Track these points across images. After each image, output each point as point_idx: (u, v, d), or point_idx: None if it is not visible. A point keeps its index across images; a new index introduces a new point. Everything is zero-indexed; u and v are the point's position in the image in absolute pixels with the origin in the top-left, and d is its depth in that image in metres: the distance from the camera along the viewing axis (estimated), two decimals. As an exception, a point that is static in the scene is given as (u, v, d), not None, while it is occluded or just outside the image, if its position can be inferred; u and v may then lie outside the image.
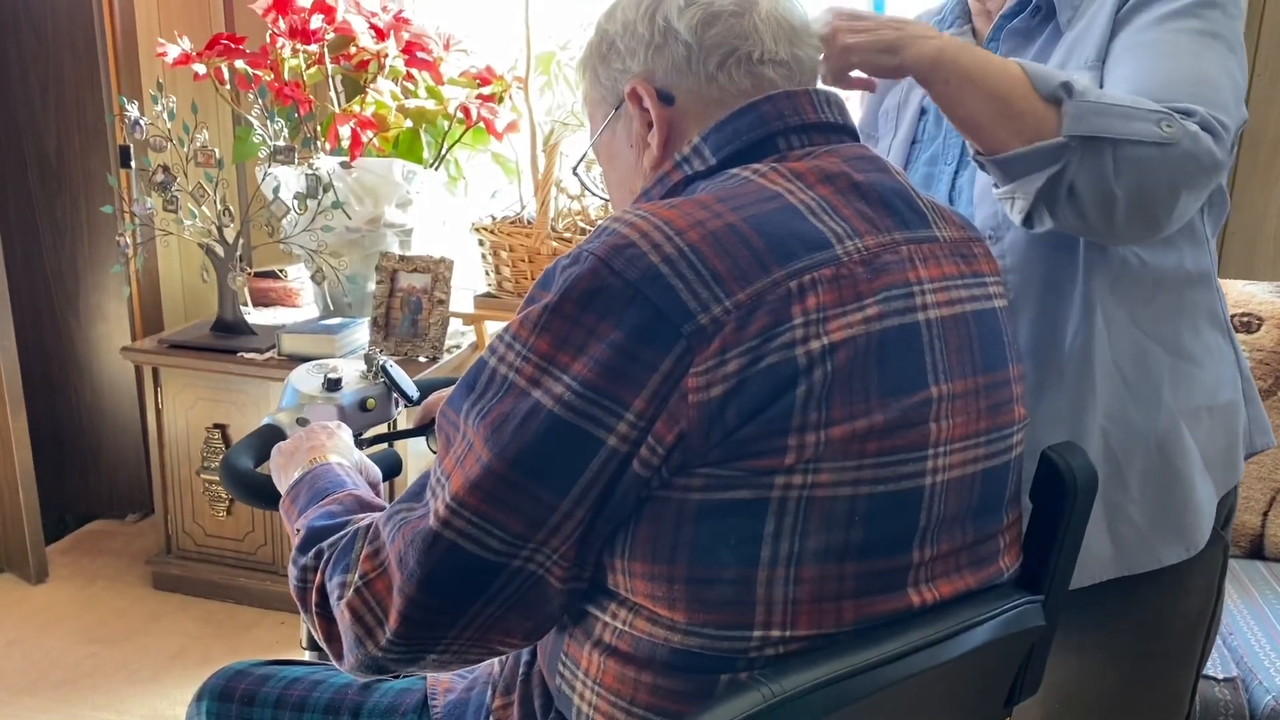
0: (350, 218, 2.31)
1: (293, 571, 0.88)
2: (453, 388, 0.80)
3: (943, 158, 1.17)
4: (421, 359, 2.33)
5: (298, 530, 0.91)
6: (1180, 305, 1.10)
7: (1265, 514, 1.92)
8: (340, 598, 0.81)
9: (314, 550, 0.86)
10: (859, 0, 2.36)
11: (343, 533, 0.85)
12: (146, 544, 2.76)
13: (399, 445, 1.31)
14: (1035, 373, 1.09)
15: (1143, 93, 0.96)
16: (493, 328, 2.47)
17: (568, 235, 2.24)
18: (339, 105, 2.40)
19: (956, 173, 1.15)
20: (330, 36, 2.36)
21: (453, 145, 2.45)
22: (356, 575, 0.80)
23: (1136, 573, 1.11)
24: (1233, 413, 1.13)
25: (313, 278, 2.35)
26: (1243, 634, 1.62)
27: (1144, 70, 1.00)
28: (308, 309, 2.66)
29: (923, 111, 1.22)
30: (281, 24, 2.32)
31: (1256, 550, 1.92)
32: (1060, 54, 1.08)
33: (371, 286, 2.41)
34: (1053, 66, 1.07)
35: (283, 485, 1.02)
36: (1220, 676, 1.52)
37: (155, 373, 2.42)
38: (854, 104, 2.38)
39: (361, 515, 0.89)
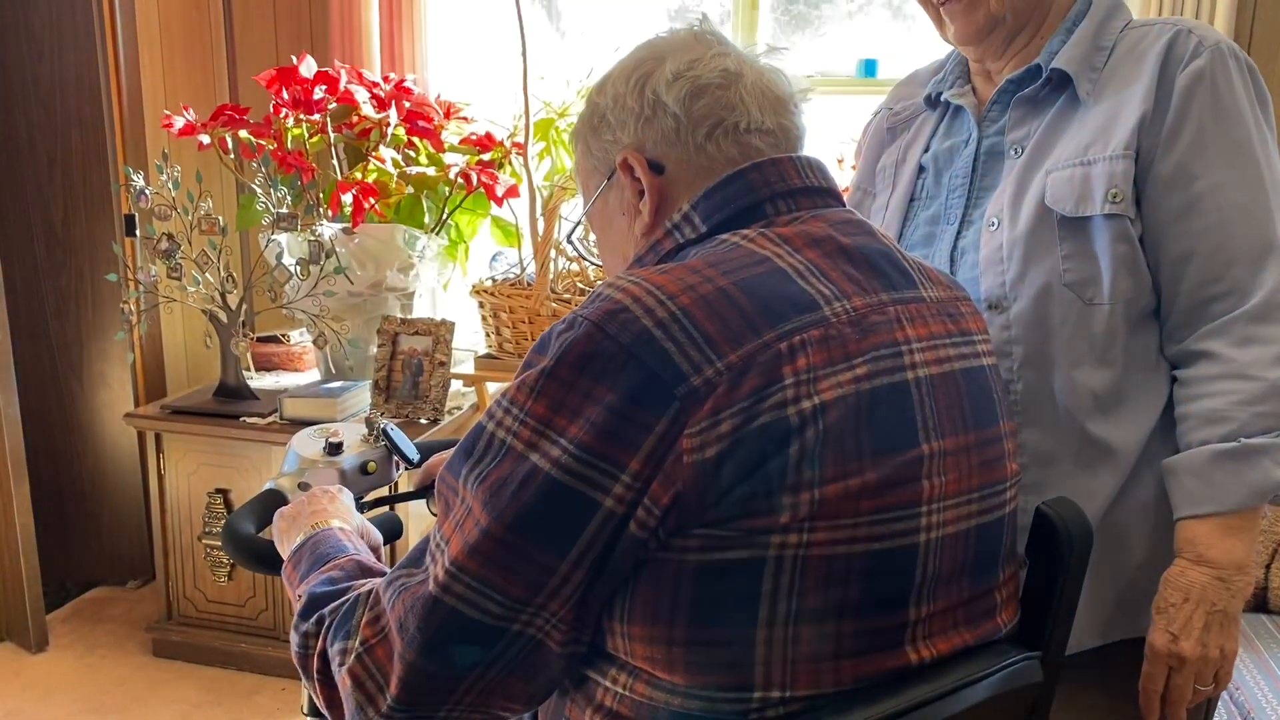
0: (352, 282, 2.34)
1: (294, 638, 0.88)
2: (452, 451, 0.81)
3: (944, 218, 1.18)
4: (423, 420, 2.34)
5: (300, 596, 0.91)
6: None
7: (1268, 567, 1.91)
8: (341, 664, 0.81)
9: (315, 616, 0.86)
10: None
11: (344, 599, 0.85)
12: (147, 611, 2.74)
13: (399, 508, 1.32)
14: (1040, 441, 1.10)
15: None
16: (494, 389, 2.48)
17: (567, 296, 2.27)
18: (341, 173, 2.45)
19: (959, 234, 1.15)
20: (333, 106, 2.41)
21: (453, 210, 2.49)
22: (357, 641, 0.80)
23: (1142, 635, 1.11)
24: None
25: (315, 342, 2.37)
26: (1249, 688, 1.61)
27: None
28: (310, 373, 2.68)
29: (921, 169, 1.23)
30: (285, 94, 2.37)
31: (1260, 604, 1.91)
32: (1086, 133, 1.08)
33: (373, 350, 2.43)
34: (1074, 142, 1.08)
35: (285, 550, 1.03)
36: (1227, 732, 1.51)
37: (157, 438, 2.43)
38: (838, 166, 2.41)
39: (363, 581, 0.89)
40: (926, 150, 1.23)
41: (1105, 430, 1.09)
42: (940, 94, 1.23)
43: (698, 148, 0.88)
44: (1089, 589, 1.08)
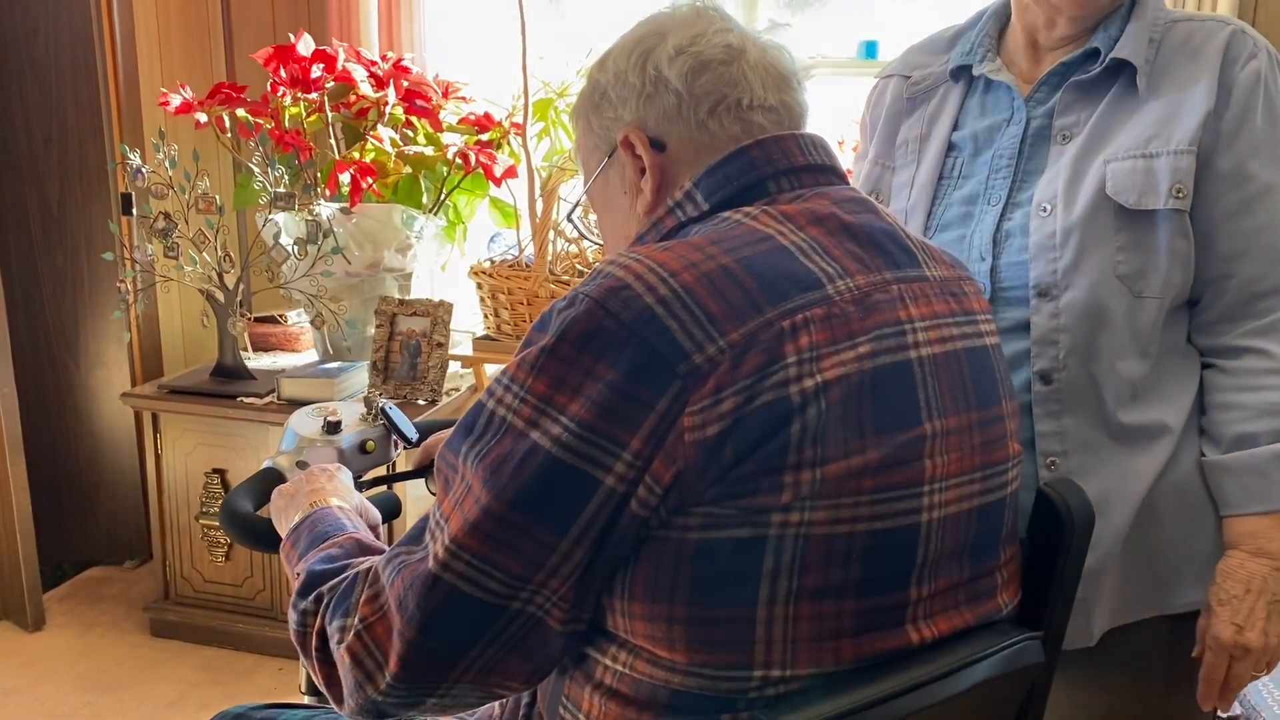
0: (350, 263, 2.33)
1: (293, 616, 0.88)
2: (452, 429, 0.81)
3: (984, 198, 1.15)
4: (420, 402, 2.34)
5: (298, 574, 0.91)
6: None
7: None
8: (340, 642, 0.81)
9: (314, 594, 0.86)
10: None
11: (343, 576, 0.85)
12: (144, 590, 2.74)
13: (398, 487, 1.31)
14: (1080, 428, 1.09)
15: None
16: (491, 370, 2.47)
17: (566, 278, 2.26)
18: (339, 152, 2.43)
19: (1003, 215, 1.13)
20: (330, 85, 2.39)
21: (451, 191, 2.48)
22: (356, 619, 0.80)
23: (1171, 613, 1.12)
24: None
25: (312, 322, 2.36)
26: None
27: None
28: (307, 353, 2.67)
29: (951, 146, 1.19)
30: (282, 73, 2.35)
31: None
32: (1146, 125, 1.08)
33: (371, 330, 2.42)
34: (1133, 133, 1.08)
35: (283, 528, 1.02)
36: (1223, 716, 1.51)
37: (155, 418, 2.43)
38: (839, 147, 2.39)
39: (361, 559, 0.89)
40: (956, 127, 1.19)
41: (1142, 416, 1.09)
42: (969, 67, 1.20)
43: (700, 125, 0.87)
44: (1121, 568, 1.09)
